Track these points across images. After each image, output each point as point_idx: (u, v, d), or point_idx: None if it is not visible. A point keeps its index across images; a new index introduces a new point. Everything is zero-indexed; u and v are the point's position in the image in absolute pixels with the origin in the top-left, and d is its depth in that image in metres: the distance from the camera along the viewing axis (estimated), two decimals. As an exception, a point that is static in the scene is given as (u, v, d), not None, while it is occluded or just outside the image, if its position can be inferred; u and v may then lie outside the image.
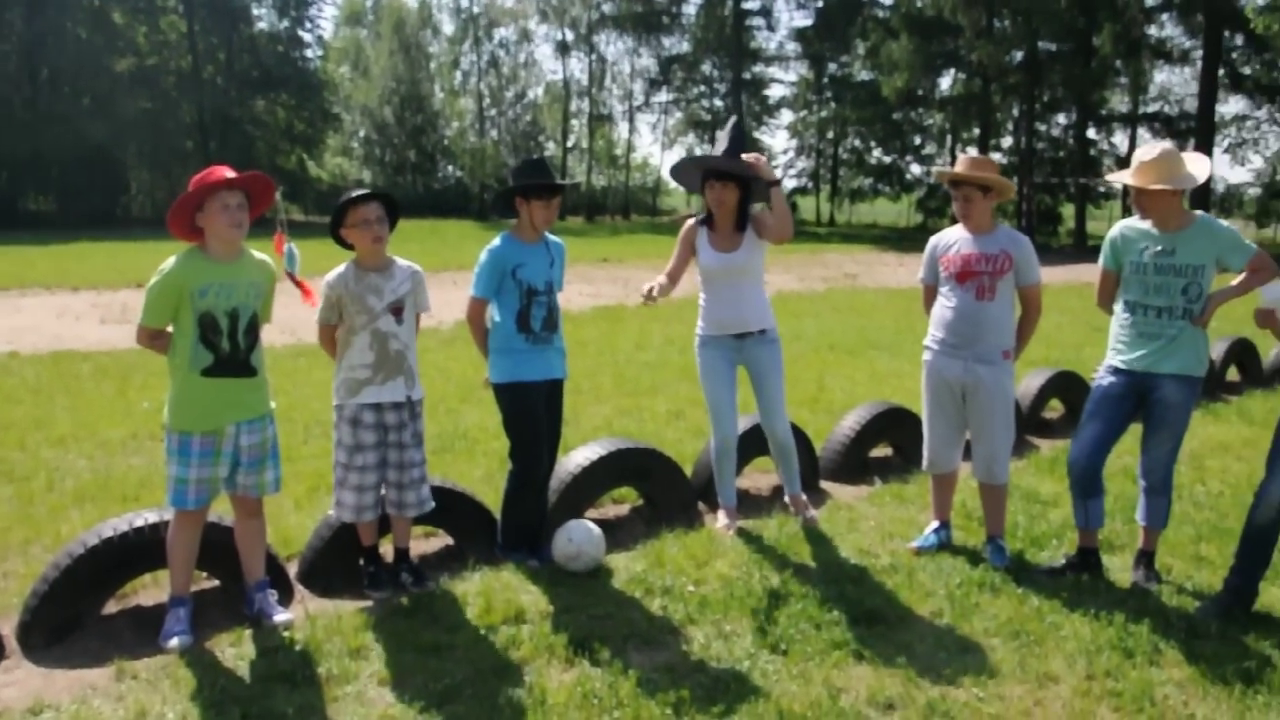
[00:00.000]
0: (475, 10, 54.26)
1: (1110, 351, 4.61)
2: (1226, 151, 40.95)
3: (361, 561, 4.46)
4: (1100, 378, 4.62)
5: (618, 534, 5.17)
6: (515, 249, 4.69)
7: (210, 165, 4.02)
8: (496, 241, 4.72)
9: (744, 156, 4.98)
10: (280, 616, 4.07)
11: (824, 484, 6.12)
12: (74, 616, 3.98)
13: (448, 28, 59.63)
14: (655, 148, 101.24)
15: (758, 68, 54.93)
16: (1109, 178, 4.73)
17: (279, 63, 48.43)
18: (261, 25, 49.60)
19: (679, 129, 57.17)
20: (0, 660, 3.80)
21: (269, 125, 49.30)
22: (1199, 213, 4.47)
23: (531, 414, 4.68)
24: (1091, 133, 42.66)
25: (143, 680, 3.62)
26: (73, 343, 11.74)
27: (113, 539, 3.99)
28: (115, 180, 44.96)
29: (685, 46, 54.65)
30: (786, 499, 5.45)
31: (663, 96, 56.96)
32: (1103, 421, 4.53)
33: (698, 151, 54.43)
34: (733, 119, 5.28)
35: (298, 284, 4.37)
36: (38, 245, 27.81)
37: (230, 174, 3.88)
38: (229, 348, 3.92)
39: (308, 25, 50.88)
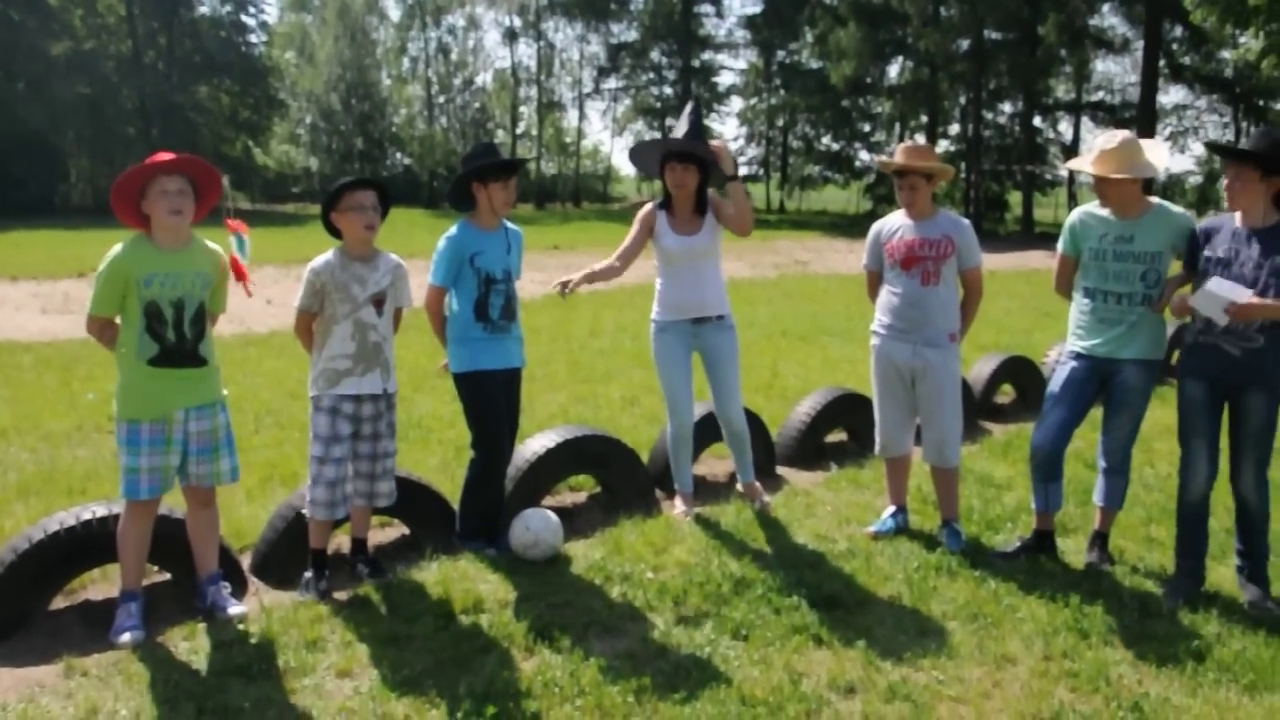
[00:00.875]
0: (421, -5, 53.63)
1: (1071, 336, 4.66)
2: (1168, 140, 41.65)
3: (310, 566, 4.34)
4: (1062, 363, 4.67)
5: (575, 522, 5.16)
6: (474, 236, 4.64)
7: (151, 152, 3.93)
8: (454, 229, 4.66)
9: (711, 143, 4.97)
10: (234, 609, 3.99)
11: (780, 470, 6.15)
12: (20, 613, 3.88)
13: (394, 13, 58.89)
14: (605, 135, 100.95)
15: (707, 55, 54.91)
16: (1070, 165, 4.77)
17: (222, 48, 47.49)
18: (203, 9, 48.61)
19: (628, 116, 57.01)
20: (-56, 659, 3.69)
21: (213, 112, 48.39)
22: (1156, 199, 4.52)
23: (492, 403, 4.64)
24: (1037, 121, 43.21)
25: (93, 677, 3.54)
26: (13, 333, 11.46)
27: (60, 533, 3.90)
28: (54, 167, 43.85)
29: (634, 34, 54.46)
30: (740, 487, 5.46)
31: (612, 84, 56.77)
32: (1066, 407, 4.58)
33: (648, 139, 54.48)
34: (690, 103, 5.28)
35: (237, 270, 4.21)
36: (-27, 234, 27.08)
37: (168, 157, 3.79)
38: (175, 338, 3.84)
39: (251, 10, 49.94)
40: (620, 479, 5.40)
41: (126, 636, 3.78)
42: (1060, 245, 4.75)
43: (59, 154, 43.97)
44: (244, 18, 49.84)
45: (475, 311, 4.62)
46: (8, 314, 13.13)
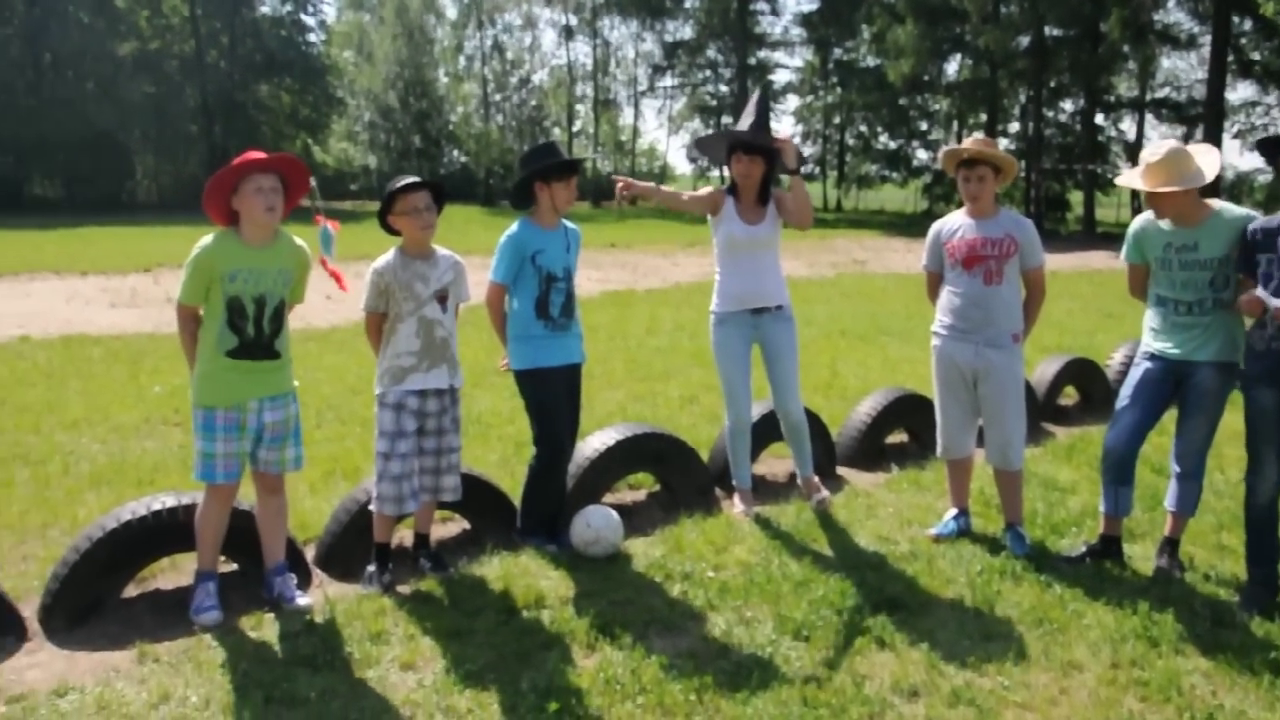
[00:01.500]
0: (478, -6, 54.04)
1: (1146, 337, 4.56)
2: (1236, 137, 40.55)
3: (373, 560, 4.39)
4: (1137, 363, 4.57)
5: (635, 519, 5.16)
6: (534, 235, 4.67)
7: (215, 151, 4.03)
8: (515, 227, 4.69)
9: (777, 136, 5.00)
10: (301, 600, 4.06)
11: (840, 470, 6.10)
12: (94, 599, 3.97)
13: (451, 12, 59.41)
14: (661, 133, 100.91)
15: (763, 53, 54.71)
16: (1119, 181, 4.66)
17: (282, 47, 48.33)
18: (264, 9, 49.51)
19: (684, 114, 57.04)
20: (23, 642, 3.80)
21: (273, 110, 49.25)
22: (1215, 202, 4.38)
23: (554, 399, 4.66)
24: (1099, 119, 42.42)
25: (165, 663, 3.62)
26: (83, 327, 11.74)
27: (131, 522, 4.00)
28: (121, 165, 44.99)
29: (689, 31, 54.44)
30: (799, 482, 5.43)
31: (667, 81, 56.86)
32: (1141, 408, 4.49)
33: (710, 132, 54.35)
34: (757, 92, 5.27)
35: (331, 273, 4.35)
36: (45, 230, 27.84)
37: (260, 156, 3.89)
38: (254, 333, 3.93)
39: (310, 9, 50.83)
40: (680, 477, 5.39)
41: (207, 616, 3.90)
42: (1124, 254, 4.64)
43: (126, 152, 45.05)
44: (304, 17, 50.75)
45: (536, 309, 4.64)
46: (78, 308, 13.45)
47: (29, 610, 3.99)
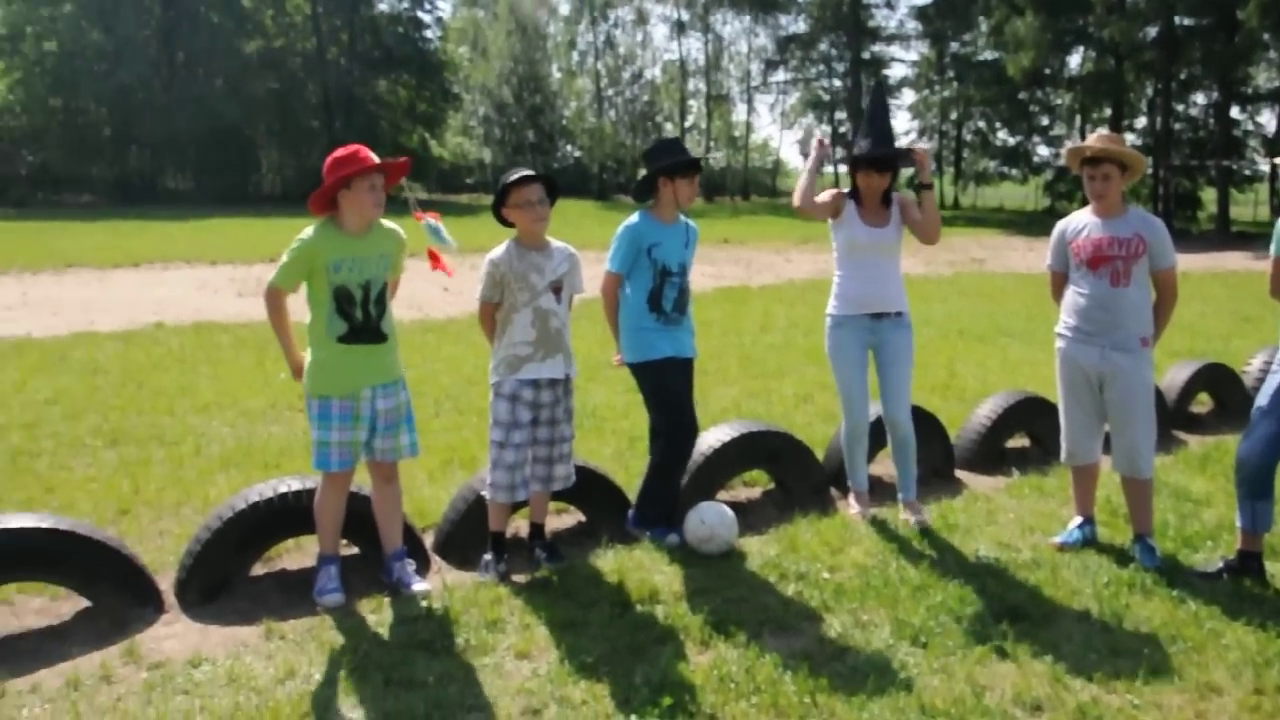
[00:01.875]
0: (591, -10, 54.39)
1: None
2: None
3: (489, 549, 4.43)
4: (1275, 371, 4.34)
5: (749, 517, 5.11)
6: (653, 228, 4.67)
7: (335, 145, 4.15)
8: (635, 218, 4.71)
9: (916, 149, 4.99)
10: (418, 586, 4.14)
11: (959, 473, 5.95)
12: (224, 577, 4.13)
13: (564, 8, 59.97)
14: (774, 129, 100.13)
15: (877, 47, 53.80)
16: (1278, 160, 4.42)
17: (400, 43, 49.54)
18: (383, 7, 50.83)
19: (797, 110, 56.48)
20: (161, 614, 3.99)
21: (391, 105, 50.48)
22: None
23: (673, 388, 4.66)
24: (1235, 112, 40.47)
25: (290, 641, 3.73)
26: (212, 314, 12.22)
27: (259, 504, 4.14)
28: (247, 158, 46.81)
29: (802, 25, 53.88)
30: (900, 502, 5.19)
31: (780, 76, 56.38)
32: (1277, 419, 4.26)
33: (816, 132, 53.79)
34: (870, 103, 5.17)
35: (436, 262, 4.41)
36: (177, 221, 29.09)
37: (375, 158, 4.01)
38: (362, 317, 4.04)
39: (427, 6, 52.06)
40: (795, 476, 5.33)
41: (330, 599, 4.02)
42: (1273, 248, 4.42)
43: (251, 146, 46.83)
44: (420, 14, 51.97)
45: (649, 302, 4.65)
46: (208, 296, 14.01)
47: (166, 584, 4.16)
